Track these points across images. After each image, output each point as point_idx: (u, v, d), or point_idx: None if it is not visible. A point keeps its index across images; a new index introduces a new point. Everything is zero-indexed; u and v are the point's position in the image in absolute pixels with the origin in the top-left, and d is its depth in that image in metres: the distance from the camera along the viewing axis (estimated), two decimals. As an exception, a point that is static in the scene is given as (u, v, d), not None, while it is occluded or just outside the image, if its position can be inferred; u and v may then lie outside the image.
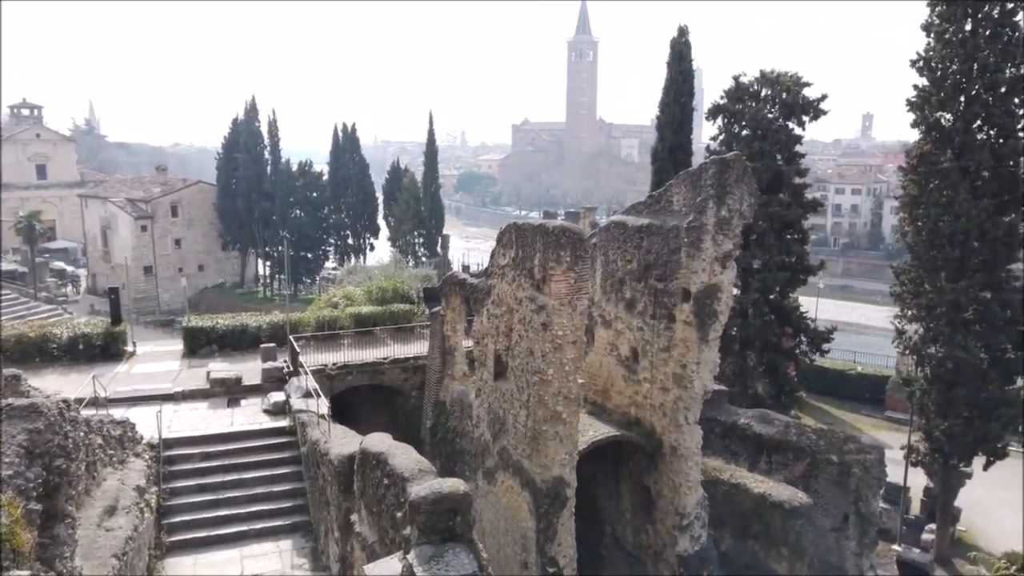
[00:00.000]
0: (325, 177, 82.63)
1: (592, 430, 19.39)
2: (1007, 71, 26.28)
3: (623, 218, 20.77)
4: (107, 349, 27.28)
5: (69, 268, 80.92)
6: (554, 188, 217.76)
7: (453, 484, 10.17)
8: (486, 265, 19.99)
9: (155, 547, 16.40)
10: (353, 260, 78.99)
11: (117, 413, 19.02)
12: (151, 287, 75.81)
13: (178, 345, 29.08)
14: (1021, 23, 26.19)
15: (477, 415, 20.29)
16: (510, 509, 18.14)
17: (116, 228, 77.21)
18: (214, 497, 18.41)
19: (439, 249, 73.13)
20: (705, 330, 18.01)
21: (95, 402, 18.82)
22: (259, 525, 17.96)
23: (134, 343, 28.92)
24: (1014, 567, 10.20)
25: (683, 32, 38.20)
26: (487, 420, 19.50)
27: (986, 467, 28.77)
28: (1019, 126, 26.64)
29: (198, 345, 28.01)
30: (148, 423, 19.07)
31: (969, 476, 29.87)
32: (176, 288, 73.70)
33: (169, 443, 19.28)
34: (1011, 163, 26.83)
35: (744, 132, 35.87)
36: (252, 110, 79.18)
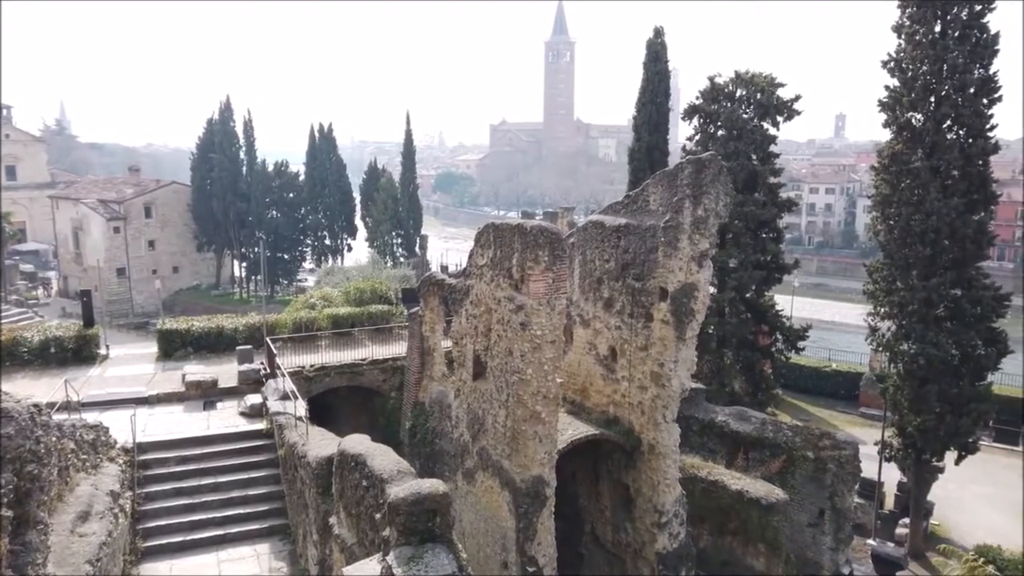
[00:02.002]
0: (302, 178, 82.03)
1: (571, 429, 19.43)
2: (976, 72, 26.75)
3: (601, 218, 20.85)
4: (79, 352, 26.87)
5: (39, 272, 79.56)
6: (532, 188, 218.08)
7: (432, 485, 10.15)
8: (465, 265, 19.97)
9: (130, 552, 16.18)
10: (331, 261, 78.47)
11: (90, 417, 18.71)
12: (124, 289, 74.72)
13: (152, 348, 28.73)
14: (989, 25, 26.69)
15: (456, 415, 20.26)
16: (490, 509, 18.13)
17: (88, 230, 76.03)
18: (190, 501, 18.20)
19: (417, 249, 72.93)
20: (682, 329, 18.13)
21: (67, 406, 18.55)
22: (236, 529, 17.79)
23: (107, 346, 28.52)
24: (982, 559, 10.43)
25: (659, 33, 38.43)
26: (466, 420, 19.47)
27: (958, 461, 29.27)
28: (987, 126, 27.12)
29: (173, 348, 27.68)
30: (122, 427, 18.80)
31: (941, 471, 30.35)
32: (150, 290, 72.72)
33: (144, 447, 19.04)
34: (980, 162, 27.31)
35: (720, 132, 36.19)
36: (227, 110, 78.38)
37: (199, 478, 18.85)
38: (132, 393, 22.82)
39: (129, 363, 27.01)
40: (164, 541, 17.10)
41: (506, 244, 16.88)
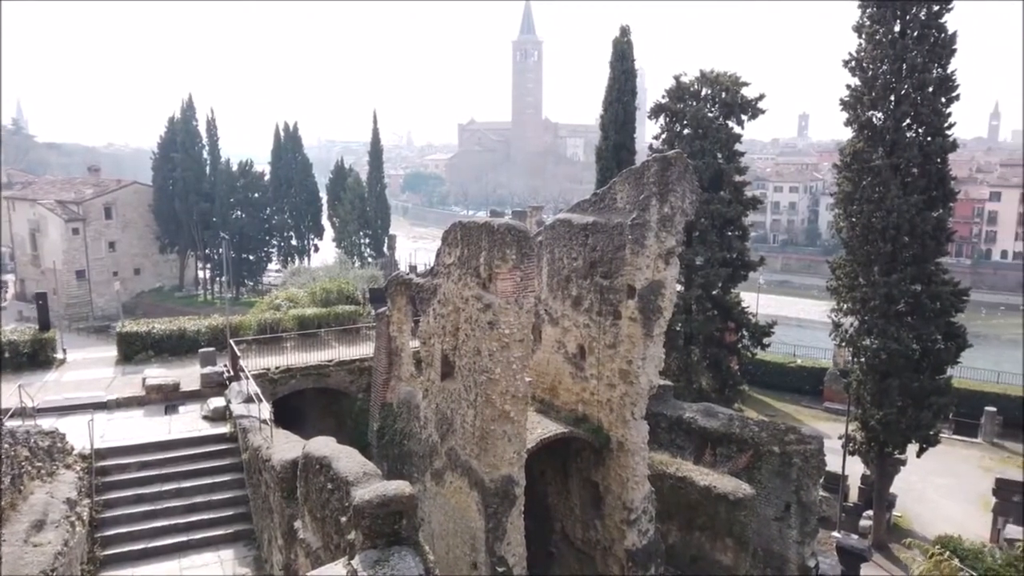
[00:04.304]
0: (267, 177, 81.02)
1: (540, 428, 19.38)
2: (934, 71, 27.29)
3: (568, 216, 20.82)
4: (35, 357, 26.12)
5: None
6: (501, 187, 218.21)
7: (398, 487, 9.99)
8: (433, 264, 19.81)
9: (88, 561, 15.73)
10: (297, 261, 77.61)
11: (46, 423, 18.20)
12: (84, 292, 73.13)
13: (112, 351, 28.05)
14: (947, 24, 27.23)
15: (425, 416, 20.09)
16: (459, 510, 18.00)
17: (46, 231, 74.22)
18: (151, 508, 17.77)
19: (386, 249, 72.48)
20: (650, 326, 18.18)
21: (22, 412, 18.00)
22: (199, 535, 17.42)
23: (64, 350, 27.77)
24: (947, 552, 10.60)
25: (625, 32, 38.62)
26: (435, 421, 19.32)
27: (919, 454, 29.87)
28: (945, 124, 27.68)
29: (133, 351, 27.04)
30: (80, 433, 18.27)
31: (904, 463, 30.95)
32: (111, 293, 71.22)
33: (102, 453, 18.53)
34: (938, 160, 27.87)
35: (686, 131, 36.47)
36: (189, 109, 77.18)
37: (160, 484, 18.41)
38: (90, 398, 22.23)
39: (87, 367, 26.33)
40: (124, 549, 16.66)
41: (473, 243, 16.76)
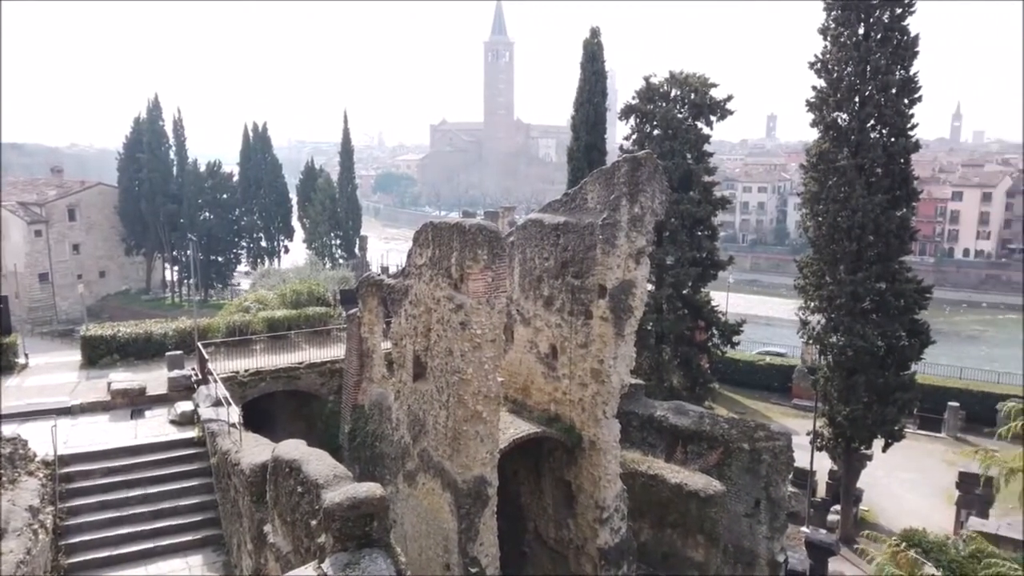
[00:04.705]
0: (236, 178, 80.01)
1: (513, 428, 19.38)
2: (897, 73, 27.84)
3: (540, 216, 20.86)
4: (-5, 362, 25.50)
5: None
6: (473, 188, 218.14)
7: (369, 489, 9.93)
8: (404, 265, 19.71)
9: (52, 570, 15.41)
10: (267, 263, 76.75)
11: (7, 430, 17.75)
12: (47, 295, 71.58)
13: (76, 356, 27.50)
14: (909, 27, 27.79)
15: (397, 418, 19.99)
16: (431, 511, 17.95)
17: (7, 233, 72.49)
18: (117, 514, 17.44)
19: (357, 250, 71.98)
20: (621, 325, 18.28)
21: (-18, 419, 17.56)
22: (167, 541, 17.13)
23: (26, 355, 27.16)
24: (904, 543, 10.81)
25: (595, 33, 38.74)
26: (407, 422, 19.23)
27: (885, 449, 30.43)
28: (908, 125, 28.24)
29: (98, 355, 26.52)
30: (43, 439, 17.88)
31: (870, 458, 31.52)
32: (75, 296, 69.80)
33: (66, 459, 18.16)
34: (902, 160, 28.44)
35: (655, 132, 36.71)
36: (155, 108, 75.97)
37: (126, 490, 18.08)
38: (53, 403, 21.75)
39: (50, 372, 25.78)
40: (89, 557, 16.33)
41: (445, 243, 16.72)
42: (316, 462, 11.97)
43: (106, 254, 79.07)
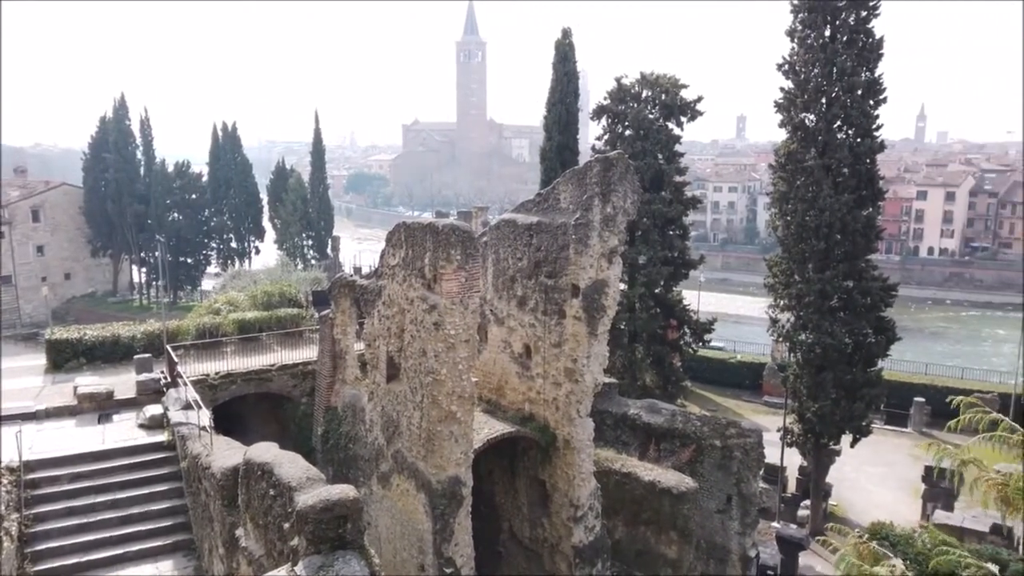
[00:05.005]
0: (205, 178, 78.94)
1: (487, 428, 19.41)
2: (863, 74, 28.33)
3: (513, 216, 20.90)
4: (-43, 367, 24.91)
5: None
6: (446, 188, 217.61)
7: (342, 491, 9.89)
8: (377, 266, 19.63)
9: (17, 579, 15.11)
10: (237, 264, 75.82)
11: (-31, 436, 17.40)
12: (11, 298, 69.99)
13: (41, 360, 26.96)
14: (874, 29, 28.30)
15: (370, 419, 19.91)
16: (406, 512, 17.90)
17: (-34, 235, 70.76)
18: (85, 520, 17.12)
19: (329, 251, 71.42)
20: (594, 324, 18.39)
21: (-57, 425, 17.15)
22: (136, 547, 16.86)
23: (-11, 359, 26.59)
24: (867, 536, 11.05)
25: (567, 34, 38.89)
26: (380, 423, 19.16)
27: (853, 444, 30.96)
28: (874, 126, 28.76)
29: (64, 359, 26.01)
30: (7, 445, 17.51)
31: (839, 454, 32.03)
32: (40, 299, 68.37)
33: (32, 465, 17.80)
34: (867, 160, 28.95)
35: (627, 132, 36.99)
36: (122, 108, 74.71)
37: (94, 495, 17.76)
38: (18, 408, 21.29)
39: (14, 376, 25.21)
40: (56, 564, 16.02)
41: (418, 244, 16.70)
42: (289, 465, 11.89)
43: (71, 256, 77.56)
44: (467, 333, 16.34)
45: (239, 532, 13.58)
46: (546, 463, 19.71)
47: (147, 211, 73.60)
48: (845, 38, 28.30)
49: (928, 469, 30.90)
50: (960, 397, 9.54)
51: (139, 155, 76.25)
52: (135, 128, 75.48)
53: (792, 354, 31.29)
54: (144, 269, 79.55)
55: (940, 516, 27.58)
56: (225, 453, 16.01)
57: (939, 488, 30.05)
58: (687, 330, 38.65)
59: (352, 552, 9.52)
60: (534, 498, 20.42)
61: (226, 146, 77.30)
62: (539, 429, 19.61)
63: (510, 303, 20.64)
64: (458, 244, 15.71)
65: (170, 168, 76.74)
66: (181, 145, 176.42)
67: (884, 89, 28.67)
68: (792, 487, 33.96)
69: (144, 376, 23.20)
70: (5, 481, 16.40)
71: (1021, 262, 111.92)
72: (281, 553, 11.15)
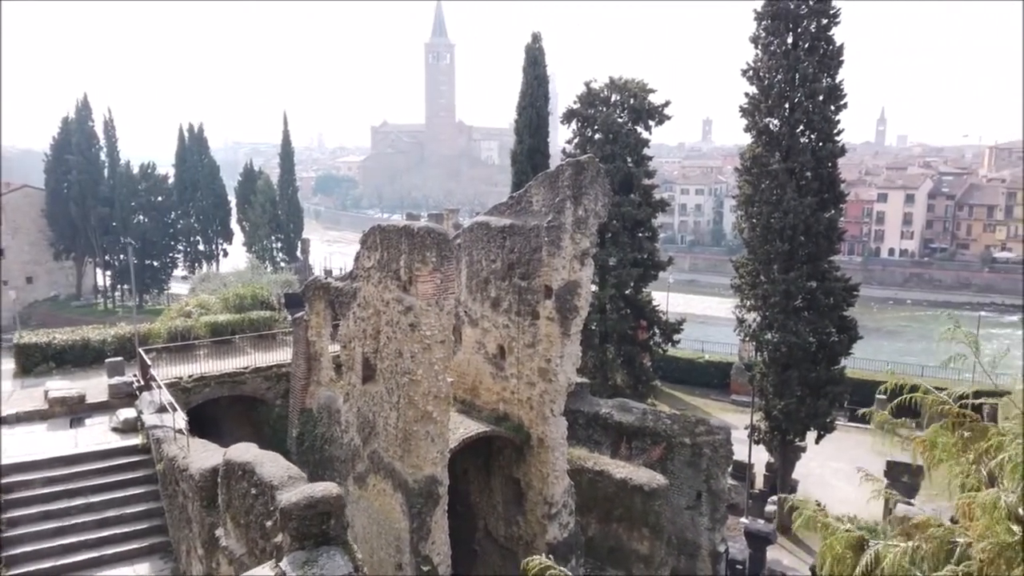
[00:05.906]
0: (171, 180, 77.98)
1: (463, 427, 19.69)
2: (824, 80, 29.16)
3: (486, 219, 21.23)
4: (-80, 373, 24.50)
5: None
6: (416, 190, 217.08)
7: (325, 487, 10.15)
8: (350, 268, 19.79)
9: (-9, 584, 15.02)
10: (205, 267, 75.03)
11: (-61, 442, 17.22)
12: (-29, 302, 68.27)
13: (9, 364, 26.59)
14: (835, 37, 29.17)
15: (346, 420, 20.06)
16: (382, 512, 18.11)
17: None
18: (59, 524, 17.05)
19: (299, 253, 71.02)
20: (567, 325, 18.79)
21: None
22: (112, 550, 16.84)
23: (-47, 364, 26.15)
24: (822, 508, 11.50)
25: (537, 38, 39.33)
26: (356, 424, 19.34)
27: (818, 440, 31.77)
28: (835, 131, 29.61)
29: (33, 363, 25.72)
30: (-23, 450, 17.40)
31: (804, 450, 32.82)
32: (5, 302, 66.90)
33: (3, 470, 17.65)
34: (829, 164, 29.80)
35: (597, 136, 37.53)
36: (84, 109, 73.48)
37: (69, 499, 17.68)
38: (-14, 413, 21.07)
39: (-19, 381, 24.89)
40: (31, 568, 15.94)
41: (393, 246, 16.94)
42: (270, 464, 12.09)
43: (33, 259, 76.12)
44: (443, 334, 16.62)
45: (219, 532, 13.71)
46: (520, 462, 20.06)
47: (112, 213, 72.49)
48: (807, 45, 29.12)
49: (891, 464, 31.81)
50: (884, 385, 9.59)
51: (103, 157, 75.05)
52: (99, 129, 74.35)
53: (758, 353, 32.01)
54: (109, 272, 78.30)
55: (901, 509, 28.38)
56: (203, 455, 16.08)
57: (900, 482, 30.94)
58: (656, 330, 39.28)
59: (336, 547, 9.78)
60: (509, 496, 20.74)
61: (193, 147, 76.52)
62: (514, 428, 19.95)
63: (484, 304, 20.95)
64: (433, 246, 15.99)
65: (135, 170, 75.72)
66: (146, 147, 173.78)
67: (845, 95, 29.53)
68: (760, 483, 34.68)
69: (116, 380, 23.05)
70: (-23, 486, 16.27)
71: (981, 263, 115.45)
72: (263, 551, 11.34)
